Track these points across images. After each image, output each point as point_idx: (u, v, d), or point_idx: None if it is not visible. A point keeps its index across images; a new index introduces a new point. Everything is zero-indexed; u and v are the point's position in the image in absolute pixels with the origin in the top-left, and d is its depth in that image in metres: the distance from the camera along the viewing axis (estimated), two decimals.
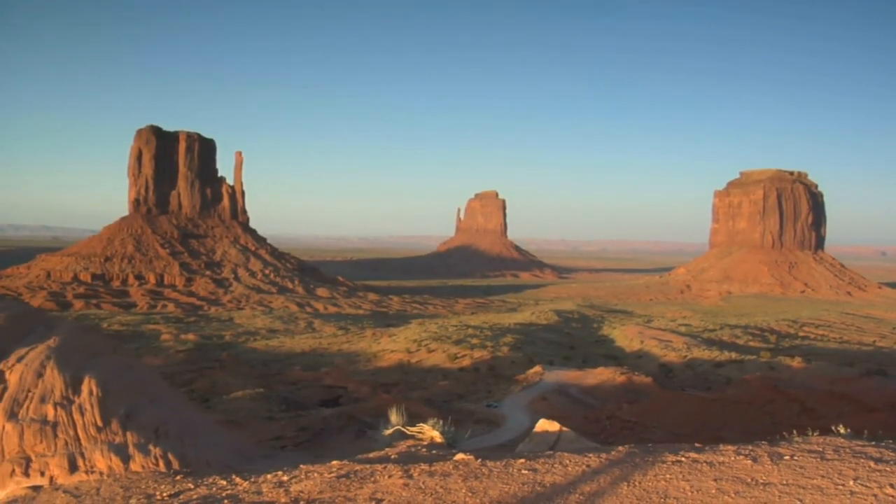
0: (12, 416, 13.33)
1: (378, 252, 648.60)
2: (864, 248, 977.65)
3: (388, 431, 15.58)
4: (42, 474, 12.26)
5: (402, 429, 15.41)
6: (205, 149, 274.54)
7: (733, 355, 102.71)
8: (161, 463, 13.08)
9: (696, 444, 11.38)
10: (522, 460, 10.76)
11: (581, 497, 8.88)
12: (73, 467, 12.43)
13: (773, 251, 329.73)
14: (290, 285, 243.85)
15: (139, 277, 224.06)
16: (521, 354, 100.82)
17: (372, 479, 10.30)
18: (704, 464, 9.83)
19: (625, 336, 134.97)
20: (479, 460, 10.91)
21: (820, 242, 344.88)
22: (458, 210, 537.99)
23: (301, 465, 12.00)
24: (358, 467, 11.13)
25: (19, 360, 14.81)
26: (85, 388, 14.23)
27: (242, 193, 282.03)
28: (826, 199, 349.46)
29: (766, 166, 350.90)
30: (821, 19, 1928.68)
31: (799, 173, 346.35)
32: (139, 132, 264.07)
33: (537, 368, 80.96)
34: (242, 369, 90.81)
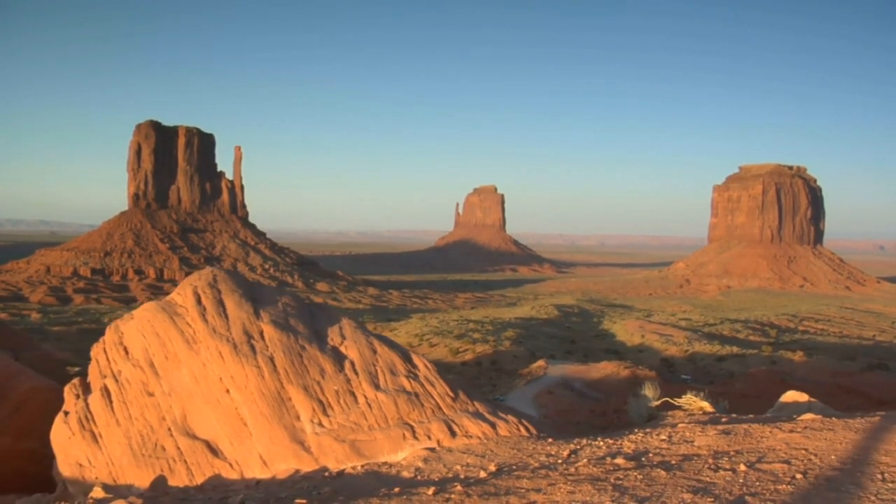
0: (377, 387, 14.38)
1: (376, 247, 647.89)
2: (862, 243, 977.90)
3: (656, 403, 16.27)
4: (429, 438, 13.32)
5: (670, 400, 16.14)
6: (204, 143, 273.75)
7: (735, 349, 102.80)
8: (521, 429, 13.76)
9: None
10: (860, 417, 11.54)
11: None
12: (451, 432, 13.41)
13: (772, 246, 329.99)
14: (289, 279, 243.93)
15: (139, 272, 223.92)
16: (523, 349, 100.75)
17: (757, 434, 10.68)
18: None
19: (625, 330, 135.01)
20: (819, 419, 11.56)
21: (819, 237, 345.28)
22: (457, 205, 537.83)
23: (643, 430, 12.43)
24: (720, 427, 11.50)
25: (343, 338, 15.71)
26: (419, 363, 15.36)
27: (242, 188, 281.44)
28: (825, 194, 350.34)
29: (766, 161, 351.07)
30: (820, 15, 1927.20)
31: (798, 168, 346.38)
32: (138, 127, 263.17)
33: (541, 362, 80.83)
34: None
